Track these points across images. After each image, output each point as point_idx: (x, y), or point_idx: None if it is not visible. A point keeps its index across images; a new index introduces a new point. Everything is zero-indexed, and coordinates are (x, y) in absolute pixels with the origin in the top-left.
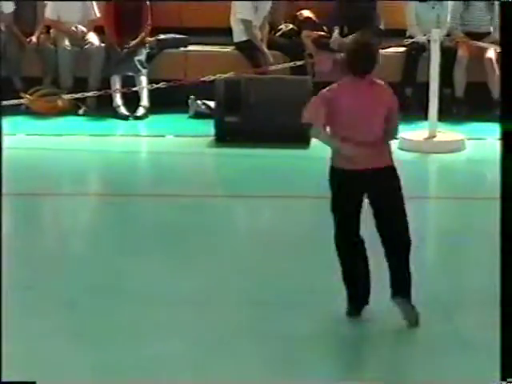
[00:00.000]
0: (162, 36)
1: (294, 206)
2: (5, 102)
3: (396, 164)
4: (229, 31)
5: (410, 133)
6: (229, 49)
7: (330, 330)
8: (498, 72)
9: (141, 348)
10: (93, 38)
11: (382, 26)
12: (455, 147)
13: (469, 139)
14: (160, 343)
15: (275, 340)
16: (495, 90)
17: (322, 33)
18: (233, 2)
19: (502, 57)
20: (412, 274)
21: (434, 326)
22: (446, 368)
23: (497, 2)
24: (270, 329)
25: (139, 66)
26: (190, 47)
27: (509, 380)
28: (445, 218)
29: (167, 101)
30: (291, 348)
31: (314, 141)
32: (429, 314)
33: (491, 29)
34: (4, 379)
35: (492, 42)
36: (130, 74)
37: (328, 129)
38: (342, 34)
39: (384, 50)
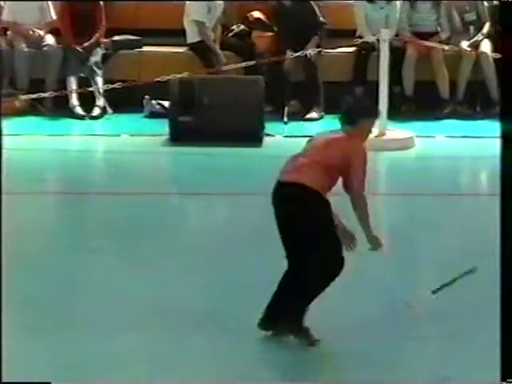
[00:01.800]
0: (116, 37)
1: (246, 204)
2: None
3: None
4: (182, 32)
5: None
6: (182, 49)
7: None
8: (445, 71)
9: (97, 345)
10: (50, 39)
11: (328, 26)
12: (405, 145)
13: (418, 137)
14: (116, 340)
15: (231, 335)
16: (443, 89)
17: (272, 33)
18: (186, 3)
19: (502, 56)
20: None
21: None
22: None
23: (443, 3)
24: (227, 323)
25: (95, 67)
26: (145, 48)
27: (509, 380)
28: (394, 213)
29: (122, 101)
30: (250, 343)
31: (266, 139)
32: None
33: (438, 28)
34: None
35: (439, 42)
36: (86, 74)
37: None
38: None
39: (334, 50)
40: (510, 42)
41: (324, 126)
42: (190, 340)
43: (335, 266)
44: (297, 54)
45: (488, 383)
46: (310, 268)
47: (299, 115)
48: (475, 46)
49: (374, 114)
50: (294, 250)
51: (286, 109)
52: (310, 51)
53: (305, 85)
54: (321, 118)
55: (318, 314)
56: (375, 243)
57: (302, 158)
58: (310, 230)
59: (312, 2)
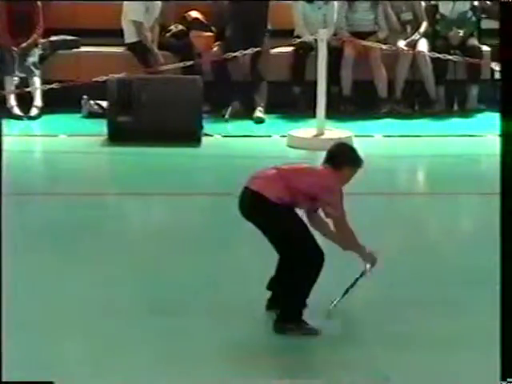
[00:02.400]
0: (54, 37)
1: (186, 204)
2: None
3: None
4: (120, 32)
5: (299, 130)
6: (120, 50)
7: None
8: (383, 70)
9: (35, 348)
10: None
11: (269, 26)
12: None
13: (356, 136)
14: (57, 343)
15: (174, 336)
16: (381, 88)
17: (210, 33)
18: (124, 3)
19: (501, 57)
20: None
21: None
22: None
23: (381, 3)
24: (168, 325)
25: (32, 67)
26: (83, 48)
27: (509, 380)
28: None
29: (60, 101)
30: (191, 344)
31: (204, 139)
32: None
33: (376, 28)
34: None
35: (377, 41)
36: (24, 75)
37: None
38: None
39: (273, 50)
40: (509, 42)
41: (266, 126)
42: (135, 339)
43: (311, 266)
44: (245, 52)
45: (488, 383)
46: (290, 268)
47: (241, 115)
48: (412, 45)
49: (359, 165)
50: (279, 251)
51: (230, 108)
52: (259, 50)
53: (250, 84)
54: (263, 118)
55: None
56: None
57: (274, 170)
58: (274, 235)
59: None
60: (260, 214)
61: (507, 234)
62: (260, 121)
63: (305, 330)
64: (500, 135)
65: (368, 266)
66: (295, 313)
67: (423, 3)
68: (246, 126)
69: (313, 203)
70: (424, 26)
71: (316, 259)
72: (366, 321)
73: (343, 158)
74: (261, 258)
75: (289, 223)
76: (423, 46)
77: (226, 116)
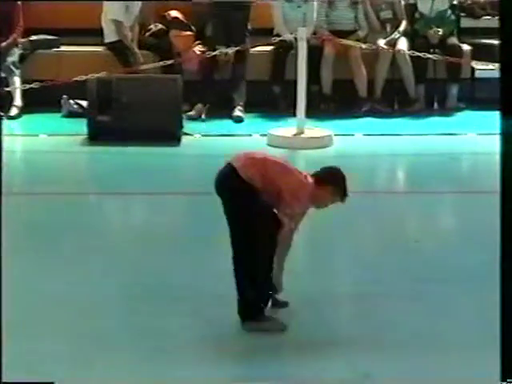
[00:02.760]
0: (34, 37)
1: (166, 203)
2: None
3: None
4: (100, 32)
5: (279, 129)
6: (100, 49)
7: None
8: (363, 69)
9: (18, 346)
10: None
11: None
12: (323, 143)
13: (336, 135)
14: (40, 340)
15: (157, 336)
16: (361, 87)
17: (190, 32)
18: (104, 2)
19: (501, 57)
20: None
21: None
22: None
23: (361, 1)
24: (150, 325)
25: (12, 67)
26: (62, 48)
27: (509, 380)
28: (314, 213)
29: (40, 100)
30: (174, 343)
31: (184, 138)
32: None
33: (356, 27)
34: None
35: (357, 40)
36: (3, 74)
37: None
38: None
39: (252, 49)
40: (509, 43)
41: (245, 125)
42: (117, 339)
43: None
44: (226, 51)
45: (488, 383)
46: (241, 258)
47: (221, 114)
48: (392, 44)
49: (341, 192)
50: (231, 235)
51: (206, 106)
52: (240, 48)
53: (230, 83)
54: (243, 117)
55: None
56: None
57: (262, 156)
58: (231, 214)
59: None
60: (227, 188)
61: (507, 233)
62: (239, 120)
63: (267, 327)
64: (500, 134)
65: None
66: (254, 308)
67: (403, 2)
68: (225, 125)
69: (276, 203)
70: (403, 25)
71: (264, 250)
72: (345, 317)
73: (333, 177)
74: None
75: (249, 206)
76: (403, 44)
77: (203, 115)
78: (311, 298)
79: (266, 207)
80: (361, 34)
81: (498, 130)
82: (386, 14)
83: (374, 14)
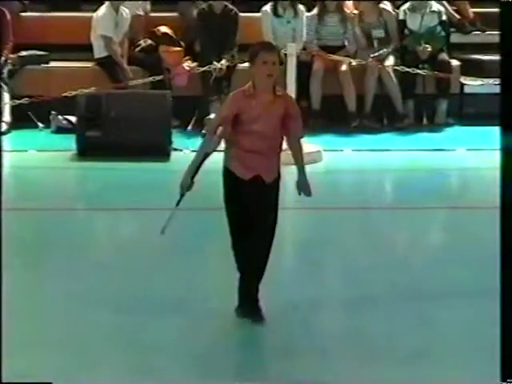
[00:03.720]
0: (23, 52)
1: (155, 218)
2: None
3: None
4: (89, 47)
5: None
6: (89, 64)
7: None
8: (352, 85)
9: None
10: None
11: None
12: (312, 158)
13: (325, 150)
14: (26, 353)
15: (145, 349)
16: (350, 102)
17: (179, 48)
18: (93, 18)
19: (502, 59)
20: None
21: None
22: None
23: (349, 17)
24: (138, 338)
25: (1, 83)
26: (52, 63)
27: (509, 380)
28: (304, 228)
29: (29, 116)
30: (163, 356)
31: (173, 154)
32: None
33: (345, 42)
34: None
35: (346, 56)
36: None
37: None
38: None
39: (241, 64)
40: (509, 58)
41: None
42: (105, 352)
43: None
44: (215, 67)
45: (488, 383)
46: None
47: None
48: (380, 60)
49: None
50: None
51: (192, 122)
52: (229, 63)
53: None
54: None
55: None
56: (306, 189)
57: None
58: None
59: (235, 12)
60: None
61: (507, 247)
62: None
63: (246, 316)
64: (500, 149)
65: (300, 191)
66: (240, 297)
67: (395, 21)
68: None
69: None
70: (393, 42)
71: (237, 245)
72: (335, 333)
73: (250, 53)
74: (229, 269)
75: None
76: (389, 60)
77: (189, 128)
78: (299, 311)
79: None
80: (350, 49)
81: (486, 146)
82: (378, 34)
83: (361, 31)
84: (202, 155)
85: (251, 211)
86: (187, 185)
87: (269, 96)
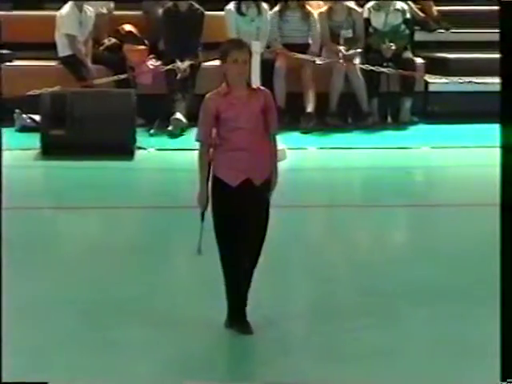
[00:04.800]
0: None
1: (119, 217)
2: None
3: None
4: (54, 46)
5: None
6: (54, 63)
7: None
8: (312, 84)
9: None
10: None
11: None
12: (277, 157)
13: (290, 149)
14: None
15: (114, 350)
16: (309, 102)
17: (144, 46)
18: (57, 16)
19: (501, 59)
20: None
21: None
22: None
23: (313, 13)
24: (107, 338)
25: None
26: (16, 62)
27: (509, 380)
28: (271, 227)
29: None
30: (131, 357)
31: (138, 153)
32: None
33: (309, 40)
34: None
35: (311, 54)
36: None
37: None
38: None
39: (206, 63)
40: (509, 56)
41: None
42: (76, 353)
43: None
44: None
45: (488, 383)
46: None
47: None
48: (346, 58)
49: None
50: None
51: (157, 121)
52: (194, 62)
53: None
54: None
55: None
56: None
57: None
58: None
59: (201, 11)
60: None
61: (506, 246)
62: (178, 124)
63: (234, 328)
64: (500, 147)
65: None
66: (228, 309)
67: (362, 21)
68: (178, 139)
69: None
70: (360, 41)
71: (226, 258)
72: (299, 332)
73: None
74: (198, 269)
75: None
76: (356, 59)
77: (152, 130)
78: (263, 310)
79: None
80: (314, 47)
81: (450, 144)
82: (347, 34)
83: (328, 28)
84: (206, 165)
85: (241, 220)
86: (204, 200)
87: (244, 91)
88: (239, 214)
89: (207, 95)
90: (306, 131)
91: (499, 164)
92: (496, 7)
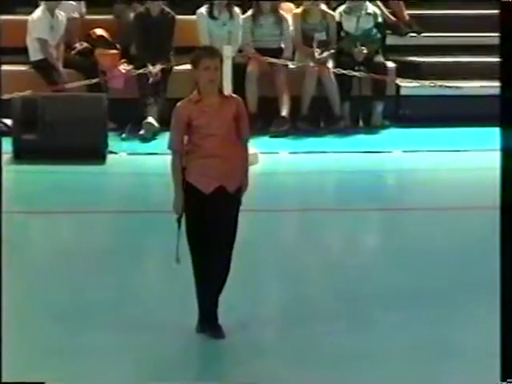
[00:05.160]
0: None
1: (91, 221)
2: None
3: None
4: (25, 50)
5: None
6: (25, 67)
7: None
8: (286, 88)
9: None
10: None
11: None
12: (249, 161)
13: (262, 153)
14: None
15: (83, 355)
16: (283, 106)
17: (115, 51)
18: (29, 21)
19: (501, 59)
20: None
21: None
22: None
23: (286, 18)
24: (77, 343)
25: None
26: None
27: (509, 380)
28: (240, 230)
29: None
30: (100, 362)
31: (109, 157)
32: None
33: (282, 45)
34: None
35: (284, 58)
36: None
37: None
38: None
39: (177, 67)
40: (509, 59)
41: None
42: (44, 358)
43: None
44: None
45: (488, 383)
46: None
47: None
48: (319, 62)
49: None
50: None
51: (128, 125)
52: (165, 66)
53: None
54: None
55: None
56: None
57: None
58: None
59: (172, 15)
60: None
61: (506, 248)
62: (150, 128)
63: (206, 332)
64: (500, 150)
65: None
66: (200, 313)
67: (335, 24)
68: (150, 143)
69: None
70: (332, 44)
71: (197, 263)
72: (274, 336)
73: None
74: (170, 273)
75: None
76: (329, 63)
77: (124, 134)
78: (236, 314)
79: None
80: (287, 52)
81: (422, 147)
82: (321, 36)
83: (300, 32)
84: (179, 172)
85: (212, 227)
86: (180, 206)
87: (216, 98)
88: (212, 220)
89: (179, 103)
90: (278, 135)
91: (499, 167)
92: (467, 11)
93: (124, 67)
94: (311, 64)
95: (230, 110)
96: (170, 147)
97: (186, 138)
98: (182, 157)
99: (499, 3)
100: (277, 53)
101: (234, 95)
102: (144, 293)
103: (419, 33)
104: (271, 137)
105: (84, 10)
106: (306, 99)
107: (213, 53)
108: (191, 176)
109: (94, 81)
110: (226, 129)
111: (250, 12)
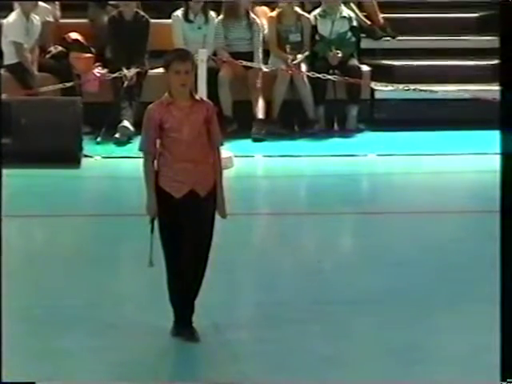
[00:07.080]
0: None
1: (66, 225)
2: None
3: None
4: (0, 54)
5: None
6: None
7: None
8: (259, 91)
9: None
10: None
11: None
12: (224, 164)
13: (236, 156)
14: None
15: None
16: (258, 110)
17: (90, 54)
18: (4, 24)
19: (501, 59)
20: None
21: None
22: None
23: (257, 22)
24: (49, 346)
25: None
26: None
27: (509, 381)
28: (214, 233)
29: None
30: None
31: (84, 161)
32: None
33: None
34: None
35: (257, 62)
36: None
37: None
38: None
39: (152, 71)
40: (509, 62)
41: None
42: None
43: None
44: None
45: (488, 383)
46: None
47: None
48: (293, 65)
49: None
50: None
51: (103, 129)
52: (140, 70)
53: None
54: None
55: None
56: (221, 209)
57: None
58: None
59: (146, 19)
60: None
61: (506, 250)
62: (125, 132)
63: (181, 335)
64: (500, 154)
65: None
66: (174, 316)
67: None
68: (125, 147)
69: None
70: (306, 47)
71: (171, 267)
72: (248, 339)
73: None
74: (145, 276)
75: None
76: (302, 66)
77: (99, 137)
78: (210, 318)
79: None
80: (256, 56)
81: (396, 151)
82: (296, 37)
83: (275, 34)
84: (152, 175)
85: (186, 231)
86: (153, 210)
87: (187, 102)
88: (184, 225)
89: (150, 105)
90: (258, 138)
91: (499, 170)
92: (442, 14)
93: (99, 71)
94: (283, 67)
95: (201, 113)
96: (140, 149)
97: (158, 141)
98: (154, 159)
99: (479, 6)
100: (250, 57)
101: (206, 99)
102: (118, 296)
103: (394, 36)
104: (253, 140)
105: (59, 13)
106: (276, 103)
107: (184, 56)
108: (162, 180)
109: (69, 84)
110: (196, 133)
111: (221, 16)
